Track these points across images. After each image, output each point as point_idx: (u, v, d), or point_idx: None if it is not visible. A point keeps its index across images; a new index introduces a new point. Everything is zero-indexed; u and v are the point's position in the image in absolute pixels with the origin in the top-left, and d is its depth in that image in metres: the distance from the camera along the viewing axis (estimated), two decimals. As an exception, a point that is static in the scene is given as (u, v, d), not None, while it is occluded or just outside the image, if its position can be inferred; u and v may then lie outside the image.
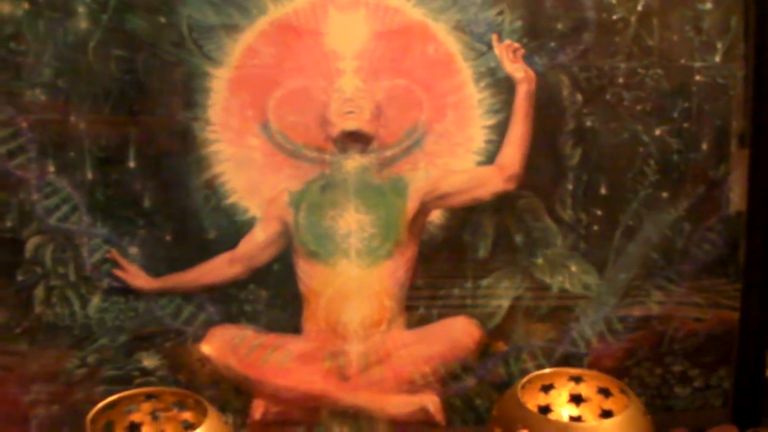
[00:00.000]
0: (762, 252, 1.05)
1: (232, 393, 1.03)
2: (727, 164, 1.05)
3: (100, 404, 0.87)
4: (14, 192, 0.96)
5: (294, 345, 1.03)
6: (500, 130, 1.01)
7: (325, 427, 1.05)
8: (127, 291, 1.00)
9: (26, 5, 0.93)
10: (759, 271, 1.06)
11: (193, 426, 0.88)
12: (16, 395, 1.00)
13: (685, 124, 1.04)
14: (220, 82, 0.97)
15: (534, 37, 1.00)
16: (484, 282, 1.05)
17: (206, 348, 1.02)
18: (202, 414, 0.87)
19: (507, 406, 0.88)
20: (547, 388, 0.93)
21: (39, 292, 0.99)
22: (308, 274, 1.02)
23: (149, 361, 1.02)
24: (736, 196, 1.06)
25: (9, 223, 0.97)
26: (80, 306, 1.00)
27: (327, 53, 0.97)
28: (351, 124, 0.99)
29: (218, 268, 1.00)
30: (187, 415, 0.90)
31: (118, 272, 1.00)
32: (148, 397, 0.90)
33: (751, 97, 1.03)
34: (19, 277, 0.98)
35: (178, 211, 0.99)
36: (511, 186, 1.02)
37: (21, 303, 0.99)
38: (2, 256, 0.97)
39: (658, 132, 1.04)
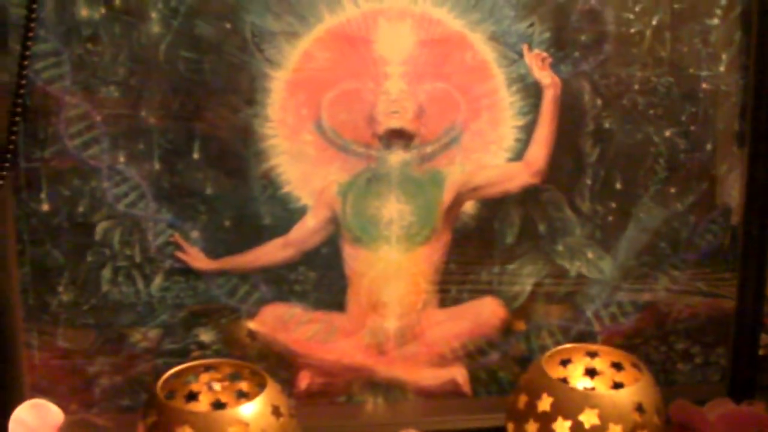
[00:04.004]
0: (757, 243, 1.12)
1: (279, 365, 1.08)
2: (728, 163, 1.12)
3: (166, 374, 0.92)
4: (87, 180, 1.01)
5: (338, 322, 1.09)
6: (528, 130, 1.08)
7: (361, 398, 1.11)
8: (187, 272, 1.05)
9: (103, 10, 0.97)
10: (754, 260, 1.12)
11: (248, 395, 0.93)
12: (82, 366, 1.05)
13: (692, 127, 1.10)
14: (278, 83, 1.02)
15: (560, 47, 1.06)
16: (510, 267, 1.11)
17: (258, 324, 1.08)
18: (259, 384, 0.92)
19: (532, 376, 0.95)
20: (565, 362, 0.99)
21: (107, 272, 1.03)
22: (353, 257, 1.08)
23: (206, 336, 1.07)
24: (735, 192, 1.13)
25: (81, 209, 1.01)
26: (144, 285, 1.04)
27: (376, 59, 1.03)
28: (395, 123, 1.05)
29: (272, 251, 1.06)
30: (242, 385, 0.95)
31: (180, 254, 1.05)
32: (207, 368, 0.95)
33: (751, 103, 1.09)
34: (89, 258, 1.03)
35: (237, 199, 1.04)
36: (536, 180, 1.09)
37: (90, 282, 1.03)
38: (74, 238, 1.02)
39: (668, 133, 1.10)
